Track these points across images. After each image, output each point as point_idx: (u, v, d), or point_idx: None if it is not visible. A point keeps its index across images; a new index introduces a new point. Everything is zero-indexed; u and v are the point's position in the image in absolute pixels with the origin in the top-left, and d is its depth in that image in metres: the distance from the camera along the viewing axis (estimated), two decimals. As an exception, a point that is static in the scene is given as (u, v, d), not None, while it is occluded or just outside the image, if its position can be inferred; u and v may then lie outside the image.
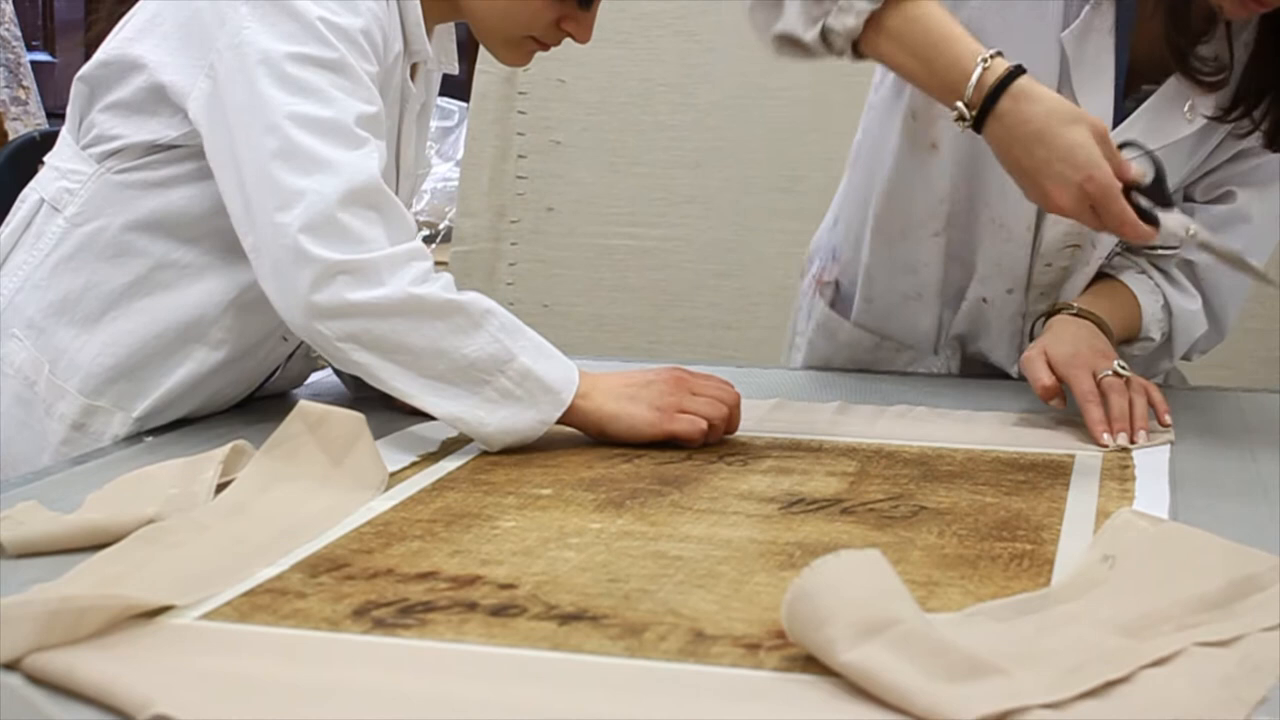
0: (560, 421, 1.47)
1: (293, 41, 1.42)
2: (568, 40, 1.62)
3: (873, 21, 1.46)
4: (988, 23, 1.58)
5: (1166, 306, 1.77)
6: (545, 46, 1.60)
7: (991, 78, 1.41)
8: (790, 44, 1.51)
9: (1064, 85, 1.63)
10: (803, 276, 2.04)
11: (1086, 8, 1.60)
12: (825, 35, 1.48)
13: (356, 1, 1.46)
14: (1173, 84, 1.64)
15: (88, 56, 1.59)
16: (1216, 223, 1.72)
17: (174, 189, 1.51)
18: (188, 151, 1.49)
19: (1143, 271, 1.77)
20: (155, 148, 1.50)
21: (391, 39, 1.52)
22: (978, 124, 1.43)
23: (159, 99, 1.48)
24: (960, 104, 1.42)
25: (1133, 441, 1.52)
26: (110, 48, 1.52)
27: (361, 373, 1.43)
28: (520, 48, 1.60)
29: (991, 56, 1.42)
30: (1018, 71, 1.41)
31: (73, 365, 1.52)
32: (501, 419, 1.43)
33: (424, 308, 1.40)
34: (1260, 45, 1.60)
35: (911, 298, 1.85)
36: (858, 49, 1.49)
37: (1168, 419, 1.58)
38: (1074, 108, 1.43)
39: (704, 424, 1.48)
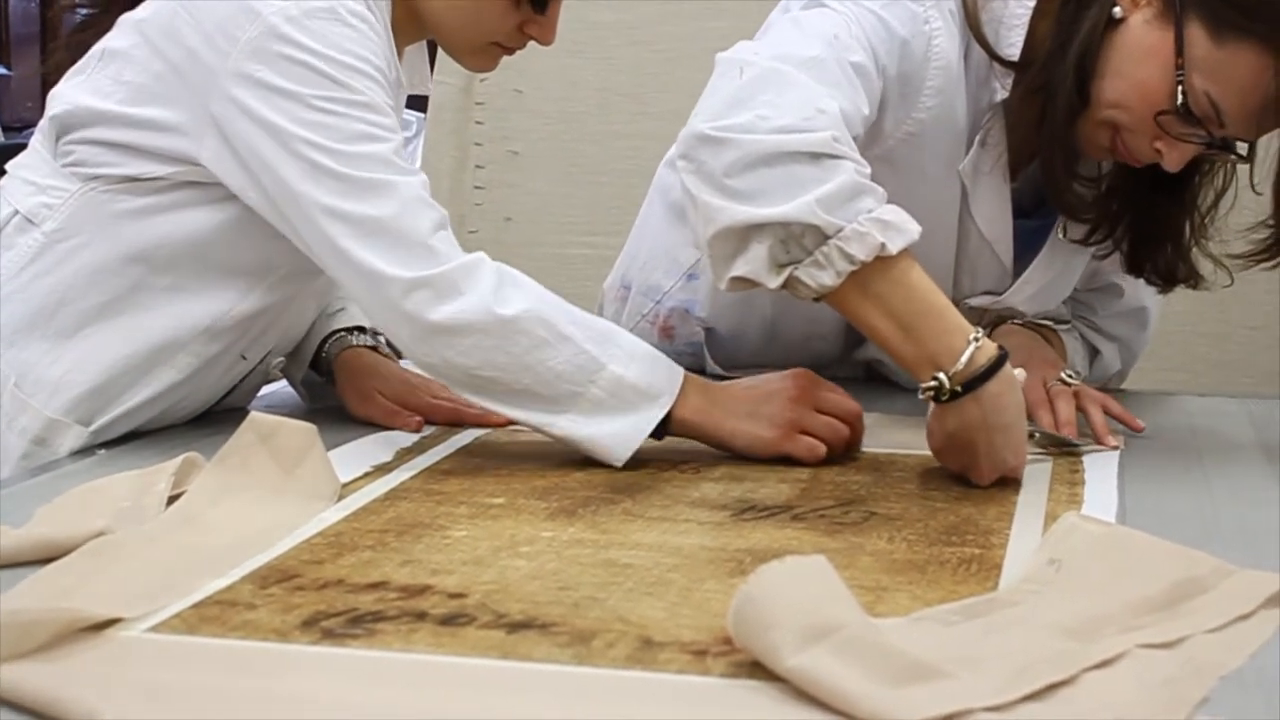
0: (679, 433, 1.46)
1: (313, 85, 1.43)
2: (523, 51, 1.63)
3: (852, 279, 1.38)
4: (900, 156, 1.59)
5: (1089, 344, 1.85)
6: (510, 50, 1.61)
7: (984, 358, 1.37)
8: (748, 284, 1.43)
9: (965, 213, 1.66)
10: (613, 299, 2.00)
11: (975, 144, 1.62)
12: (791, 283, 1.40)
13: (363, 36, 1.47)
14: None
15: (44, 74, 1.59)
16: (1116, 317, 1.86)
17: (160, 215, 1.51)
18: (176, 183, 1.50)
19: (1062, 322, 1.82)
20: (144, 178, 1.50)
21: (391, 64, 1.52)
22: (951, 397, 1.38)
23: (154, 144, 1.48)
24: (942, 376, 1.37)
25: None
26: (91, 99, 1.51)
27: (453, 385, 1.45)
28: (485, 54, 1.61)
29: (979, 335, 1.38)
30: (1005, 354, 1.39)
31: (40, 380, 1.51)
32: (595, 429, 1.43)
33: (505, 325, 1.40)
34: (1117, 173, 1.63)
35: (815, 338, 1.86)
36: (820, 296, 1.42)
37: (1140, 423, 1.60)
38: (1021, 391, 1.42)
39: (822, 451, 1.46)
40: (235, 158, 1.45)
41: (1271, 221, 1.52)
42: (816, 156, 1.38)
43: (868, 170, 1.41)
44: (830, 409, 1.49)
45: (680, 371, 1.47)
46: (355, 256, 1.41)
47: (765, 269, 1.39)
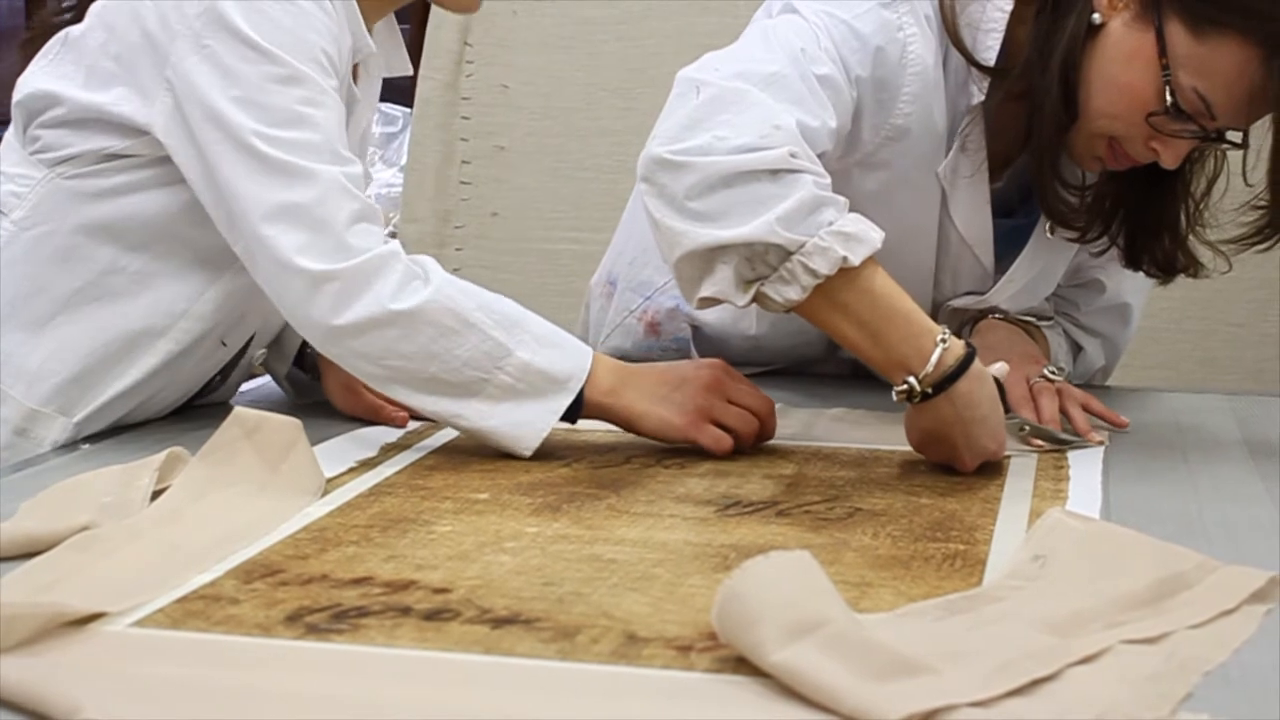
0: (590, 415, 1.47)
1: (252, 62, 1.43)
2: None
3: (818, 291, 1.40)
4: (879, 160, 1.60)
5: (1072, 340, 1.85)
6: None
7: (951, 358, 1.39)
8: (717, 302, 1.45)
9: (944, 216, 1.66)
10: (598, 295, 2.00)
11: (955, 148, 1.62)
12: (759, 298, 1.42)
13: (310, 18, 1.46)
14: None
15: (26, 65, 1.59)
16: (1099, 312, 1.86)
17: (126, 196, 1.51)
18: (141, 160, 1.50)
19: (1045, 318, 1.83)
20: (108, 156, 1.50)
21: (344, 47, 1.52)
22: (923, 398, 1.40)
23: (113, 120, 1.48)
24: (912, 380, 1.39)
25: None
26: (53, 83, 1.51)
27: (362, 377, 1.45)
28: None
29: (946, 335, 1.40)
30: (973, 351, 1.41)
31: (19, 371, 1.51)
32: (505, 413, 1.43)
33: (405, 318, 1.40)
34: (1107, 173, 1.62)
35: (801, 344, 1.86)
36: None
37: (1123, 419, 1.61)
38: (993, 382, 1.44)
39: (729, 444, 1.47)
40: (184, 129, 1.45)
41: (1263, 202, 1.52)
42: (775, 173, 1.39)
43: (828, 181, 1.42)
44: (742, 401, 1.50)
45: (589, 353, 1.47)
46: (270, 243, 1.41)
47: (732, 288, 1.42)
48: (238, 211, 1.43)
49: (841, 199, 1.41)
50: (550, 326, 1.47)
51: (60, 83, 1.51)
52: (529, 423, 1.44)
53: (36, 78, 1.53)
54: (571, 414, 1.46)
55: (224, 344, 1.60)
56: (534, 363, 1.43)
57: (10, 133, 1.57)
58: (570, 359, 1.45)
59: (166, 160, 1.48)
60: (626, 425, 1.49)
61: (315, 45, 1.46)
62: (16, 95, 1.54)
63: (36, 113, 1.52)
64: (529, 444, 1.44)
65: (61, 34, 1.54)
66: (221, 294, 1.54)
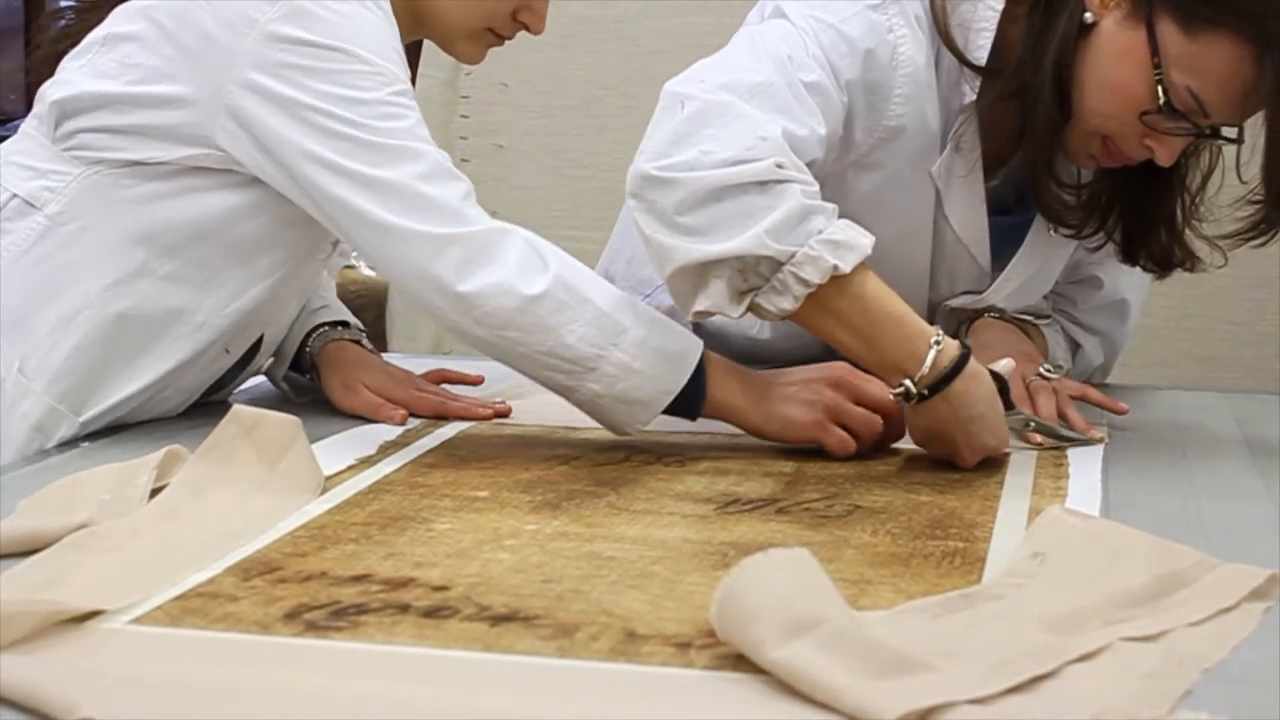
0: (712, 415, 1.47)
1: (337, 62, 1.45)
2: (508, 45, 1.64)
3: (811, 299, 1.40)
4: (873, 161, 1.60)
5: (1070, 338, 1.85)
6: (501, 40, 1.63)
7: (946, 359, 1.40)
8: (713, 314, 1.46)
9: (939, 216, 1.66)
10: None
11: (949, 148, 1.62)
12: (754, 308, 1.43)
13: (380, 23, 1.49)
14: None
15: (29, 67, 1.58)
16: (1096, 310, 1.86)
17: (163, 200, 1.50)
18: (181, 168, 1.49)
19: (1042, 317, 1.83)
20: (151, 160, 1.50)
21: (401, 53, 1.54)
22: (920, 399, 1.41)
23: (164, 124, 1.48)
24: (908, 383, 1.40)
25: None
26: (94, 83, 1.50)
27: (478, 347, 1.46)
28: (479, 41, 1.62)
29: (940, 337, 1.40)
30: (968, 351, 1.41)
31: (42, 365, 1.50)
32: (621, 392, 1.43)
33: (531, 300, 1.41)
34: (1102, 170, 1.62)
35: (801, 345, 1.87)
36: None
37: (1122, 405, 1.62)
38: (990, 379, 1.44)
39: (852, 446, 1.46)
40: (252, 139, 1.46)
41: (1258, 197, 1.52)
42: (763, 185, 1.40)
43: (816, 189, 1.43)
44: (868, 401, 1.48)
45: (699, 341, 1.48)
46: (385, 220, 1.42)
47: (726, 300, 1.43)
48: (345, 205, 1.44)
49: (830, 206, 1.42)
50: (658, 313, 1.48)
51: (101, 82, 1.50)
52: (644, 402, 1.44)
53: (76, 77, 1.52)
54: (691, 411, 1.47)
55: (227, 351, 1.60)
56: (649, 340, 1.44)
57: (31, 127, 1.56)
58: (683, 340, 1.46)
59: (206, 168, 1.48)
60: (749, 426, 1.49)
61: (390, 46, 1.49)
62: (54, 94, 1.53)
63: (74, 113, 1.51)
64: (641, 420, 1.45)
65: (100, 33, 1.53)
66: (245, 304, 1.54)
